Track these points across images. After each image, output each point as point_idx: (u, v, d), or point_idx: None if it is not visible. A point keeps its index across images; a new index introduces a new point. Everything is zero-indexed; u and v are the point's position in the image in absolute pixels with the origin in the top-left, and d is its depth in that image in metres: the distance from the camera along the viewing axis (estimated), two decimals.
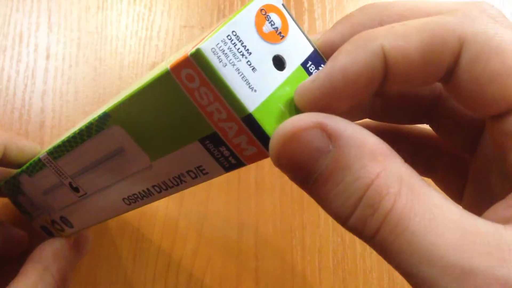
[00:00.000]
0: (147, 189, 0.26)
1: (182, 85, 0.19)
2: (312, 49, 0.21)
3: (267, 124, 0.19)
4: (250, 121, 0.19)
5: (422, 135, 0.25)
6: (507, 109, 0.17)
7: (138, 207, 0.27)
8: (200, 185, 0.39)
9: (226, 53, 0.18)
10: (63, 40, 0.41)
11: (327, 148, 0.17)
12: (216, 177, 0.23)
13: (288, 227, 0.37)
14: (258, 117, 0.19)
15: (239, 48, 0.18)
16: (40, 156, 0.30)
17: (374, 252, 0.37)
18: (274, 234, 0.37)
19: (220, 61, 0.18)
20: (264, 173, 0.38)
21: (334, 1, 0.42)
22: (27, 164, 0.31)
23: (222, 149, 0.21)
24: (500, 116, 0.18)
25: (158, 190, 0.25)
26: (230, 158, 0.21)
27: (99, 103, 0.39)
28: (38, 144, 0.34)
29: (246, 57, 0.19)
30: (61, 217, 0.31)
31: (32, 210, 0.32)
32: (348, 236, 0.36)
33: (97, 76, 0.40)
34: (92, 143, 0.26)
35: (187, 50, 0.19)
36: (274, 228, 0.37)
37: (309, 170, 0.17)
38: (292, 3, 0.42)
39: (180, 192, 0.39)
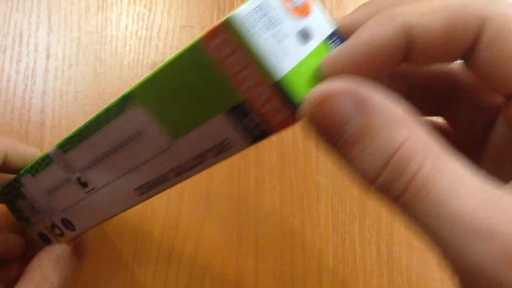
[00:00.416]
0: (163, 174, 0.26)
1: (210, 55, 0.20)
2: (334, 27, 0.22)
3: (296, 90, 0.19)
4: (279, 88, 0.20)
5: (435, 128, 0.25)
6: None
7: (150, 198, 0.27)
8: (200, 184, 0.39)
9: (254, 24, 0.19)
10: (63, 40, 0.41)
11: (356, 113, 0.18)
12: (239, 151, 0.23)
13: (288, 227, 0.37)
14: (288, 83, 0.19)
15: (265, 20, 0.19)
16: (48, 152, 0.29)
17: (374, 252, 0.37)
18: (274, 234, 0.37)
19: (249, 30, 0.19)
20: (264, 173, 0.38)
21: (334, 1, 0.42)
22: (32, 163, 0.31)
23: (249, 119, 0.22)
24: None
25: (175, 174, 0.25)
26: (257, 128, 0.22)
27: (99, 103, 0.39)
28: (38, 147, 0.34)
29: (272, 30, 0.19)
30: (63, 220, 0.31)
31: (31, 215, 0.32)
32: (348, 236, 0.36)
33: (97, 76, 0.40)
34: (108, 129, 0.26)
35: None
36: (274, 228, 0.37)
37: (337, 134, 0.18)
38: None
39: (180, 192, 0.39)
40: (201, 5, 0.42)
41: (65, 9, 0.41)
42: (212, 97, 0.22)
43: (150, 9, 0.42)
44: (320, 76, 0.20)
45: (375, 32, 0.19)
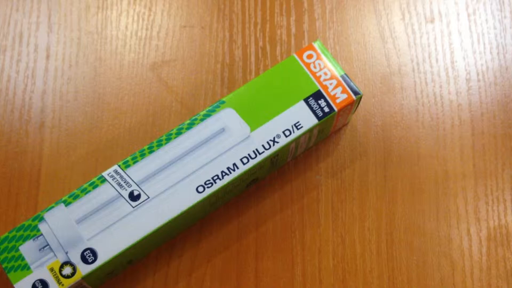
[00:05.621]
0: (233, 164, 0.32)
1: (302, 62, 0.34)
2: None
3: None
4: (345, 78, 0.33)
5: None
6: None
7: (210, 192, 0.31)
8: None
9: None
10: (63, 40, 0.41)
11: None
12: (305, 130, 0.32)
13: (288, 227, 0.37)
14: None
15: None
16: (103, 173, 0.32)
17: (374, 252, 0.37)
18: (274, 234, 0.37)
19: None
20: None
21: (334, 1, 0.42)
22: (70, 193, 0.32)
23: (321, 101, 0.33)
24: None
25: (245, 161, 0.32)
26: (325, 108, 0.33)
27: (99, 103, 0.39)
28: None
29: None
30: (85, 251, 0.31)
31: (37, 258, 0.31)
32: (348, 236, 0.36)
33: (97, 76, 0.40)
34: (197, 129, 0.32)
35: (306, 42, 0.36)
36: (274, 228, 0.37)
37: None
38: (292, 3, 0.42)
39: None
40: (201, 5, 0.42)
41: (65, 9, 0.41)
42: (295, 90, 0.33)
43: (150, 9, 0.42)
44: None
45: None
